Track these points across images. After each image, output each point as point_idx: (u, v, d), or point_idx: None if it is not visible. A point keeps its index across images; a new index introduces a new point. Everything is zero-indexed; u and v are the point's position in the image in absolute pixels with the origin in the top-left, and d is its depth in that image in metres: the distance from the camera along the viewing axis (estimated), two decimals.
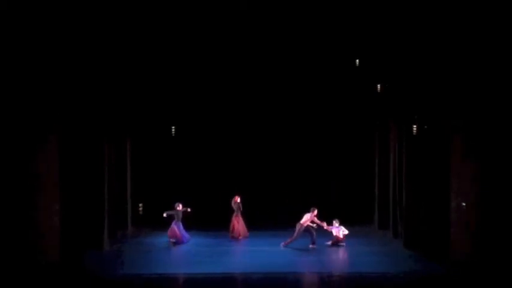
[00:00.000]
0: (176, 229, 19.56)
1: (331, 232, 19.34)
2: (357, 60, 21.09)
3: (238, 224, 20.41)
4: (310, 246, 18.94)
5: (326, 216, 19.51)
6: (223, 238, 20.29)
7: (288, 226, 20.32)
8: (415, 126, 18.11)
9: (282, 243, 18.97)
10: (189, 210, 19.95)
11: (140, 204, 21.86)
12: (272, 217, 21.95)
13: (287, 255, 18.01)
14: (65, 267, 15.88)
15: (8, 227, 15.57)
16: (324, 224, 19.19)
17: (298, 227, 18.98)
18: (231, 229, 20.44)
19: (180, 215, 19.73)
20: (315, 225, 19.01)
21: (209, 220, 21.24)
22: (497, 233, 15.93)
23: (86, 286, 15.07)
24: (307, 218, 18.97)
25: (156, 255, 18.24)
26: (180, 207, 19.80)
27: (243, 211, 20.49)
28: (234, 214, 20.44)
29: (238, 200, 20.45)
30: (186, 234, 19.79)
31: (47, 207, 16.08)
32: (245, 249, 19.44)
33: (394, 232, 20.05)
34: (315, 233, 19.00)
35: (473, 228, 16.23)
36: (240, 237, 20.33)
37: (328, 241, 19.35)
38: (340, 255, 18.46)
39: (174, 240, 19.53)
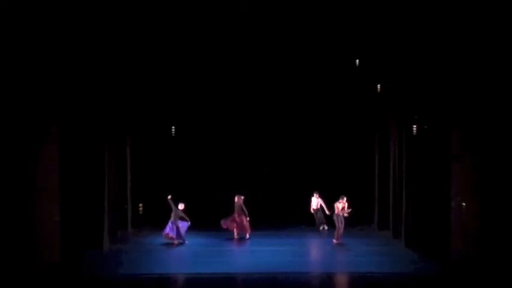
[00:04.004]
0: (174, 228, 19.48)
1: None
2: (357, 60, 21.11)
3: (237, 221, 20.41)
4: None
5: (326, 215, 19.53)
6: (223, 238, 20.28)
7: (287, 226, 20.36)
8: (415, 126, 18.13)
9: (334, 241, 19.17)
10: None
11: (140, 204, 21.87)
12: (272, 217, 21.94)
13: (287, 255, 17.98)
14: (65, 267, 15.88)
15: (8, 228, 15.55)
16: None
17: (335, 218, 19.39)
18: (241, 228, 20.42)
19: (178, 215, 19.63)
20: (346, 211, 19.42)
21: (209, 220, 21.21)
22: (497, 233, 15.91)
23: (86, 286, 15.08)
24: (338, 207, 19.33)
25: (156, 255, 18.24)
26: (182, 207, 19.70)
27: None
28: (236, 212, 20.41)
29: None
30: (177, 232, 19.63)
31: (47, 207, 16.06)
32: (245, 249, 19.44)
33: (394, 232, 20.06)
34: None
35: (473, 228, 16.22)
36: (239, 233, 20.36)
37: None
38: (340, 255, 18.45)
39: (175, 241, 19.50)
